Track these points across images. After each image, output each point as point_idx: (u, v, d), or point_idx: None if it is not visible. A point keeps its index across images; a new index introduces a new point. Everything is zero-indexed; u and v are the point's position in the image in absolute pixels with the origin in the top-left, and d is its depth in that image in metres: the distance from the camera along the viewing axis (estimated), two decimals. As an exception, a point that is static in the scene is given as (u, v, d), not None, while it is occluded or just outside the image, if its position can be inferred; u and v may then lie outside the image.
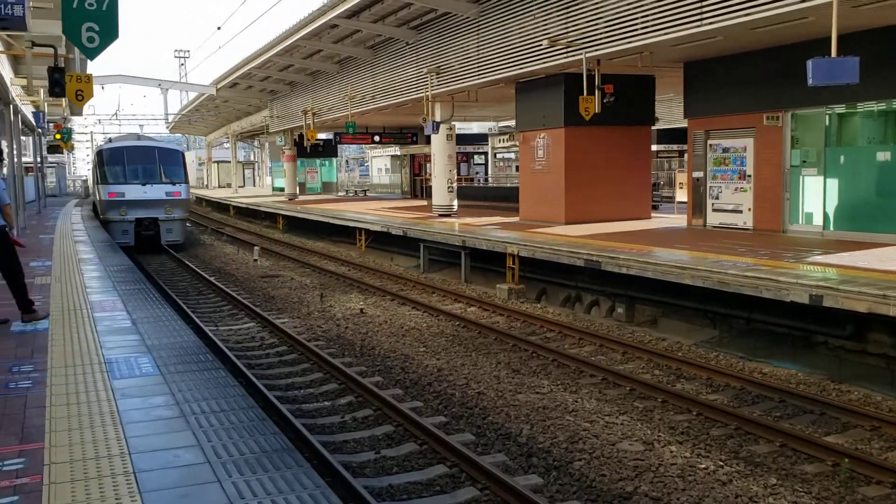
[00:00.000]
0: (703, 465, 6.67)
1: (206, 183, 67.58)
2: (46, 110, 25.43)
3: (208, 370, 6.34)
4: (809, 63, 10.15)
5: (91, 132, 78.26)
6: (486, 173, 42.34)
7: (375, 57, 25.29)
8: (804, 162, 15.08)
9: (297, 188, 40.12)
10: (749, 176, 15.86)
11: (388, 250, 21.51)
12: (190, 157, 74.26)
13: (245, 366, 9.66)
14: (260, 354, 10.79)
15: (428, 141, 25.32)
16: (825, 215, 14.52)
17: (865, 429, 7.48)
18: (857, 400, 8.36)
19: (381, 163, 63.10)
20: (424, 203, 29.56)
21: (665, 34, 13.39)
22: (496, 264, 15.79)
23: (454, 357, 10.49)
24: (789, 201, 15.21)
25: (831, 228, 14.42)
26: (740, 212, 16.15)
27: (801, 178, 15.08)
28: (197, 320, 12.30)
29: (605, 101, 16.35)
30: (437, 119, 22.23)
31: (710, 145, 16.78)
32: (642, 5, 13.75)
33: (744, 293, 9.85)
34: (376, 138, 37.43)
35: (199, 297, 15.42)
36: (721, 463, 6.72)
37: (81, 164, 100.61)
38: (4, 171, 16.92)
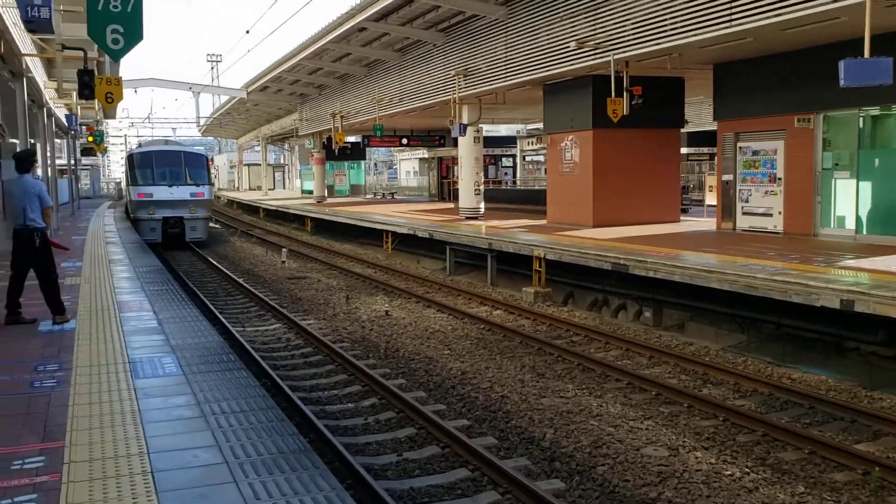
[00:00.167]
0: (728, 472, 6.55)
1: (237, 185, 68.27)
2: (79, 113, 25.92)
3: (230, 370, 6.37)
4: (841, 64, 9.98)
5: (125, 135, 79.60)
6: (514, 176, 42.26)
7: (403, 60, 25.36)
8: (836, 165, 14.81)
9: (326, 191, 40.31)
10: (779, 179, 15.62)
11: (415, 253, 21.52)
12: (222, 160, 75.36)
13: (270, 367, 9.69)
14: (286, 356, 10.83)
15: (455, 143, 25.34)
16: (857, 219, 14.26)
17: (898, 437, 7.30)
18: (890, 407, 8.16)
19: (409, 165, 63.38)
20: (452, 206, 29.55)
21: (694, 35, 13.26)
22: (522, 267, 15.70)
23: (478, 360, 10.44)
24: (821, 205, 14.95)
25: (864, 232, 14.15)
26: (770, 215, 15.91)
27: (832, 180, 14.81)
28: (224, 321, 12.38)
29: (633, 103, 16.25)
30: (465, 121, 22.23)
31: (740, 148, 16.55)
32: (671, 6, 13.63)
33: (772, 297, 9.70)
34: (404, 141, 37.49)
35: (227, 298, 15.53)
36: (747, 470, 6.60)
37: (116, 166, 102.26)
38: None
